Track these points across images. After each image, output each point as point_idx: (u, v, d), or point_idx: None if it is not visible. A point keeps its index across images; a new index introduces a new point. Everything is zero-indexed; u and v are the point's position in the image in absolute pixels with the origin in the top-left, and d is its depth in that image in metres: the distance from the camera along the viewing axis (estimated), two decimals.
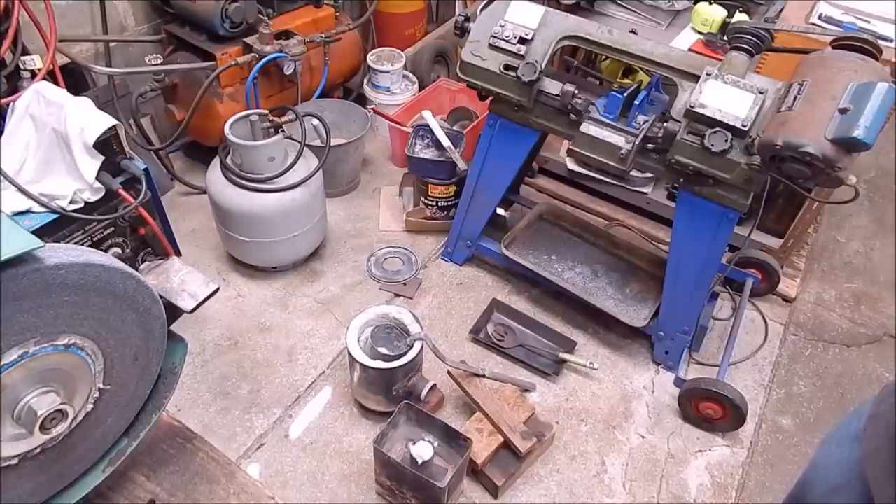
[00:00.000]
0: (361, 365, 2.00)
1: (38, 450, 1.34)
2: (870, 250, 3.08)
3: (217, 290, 1.68)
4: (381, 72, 3.35)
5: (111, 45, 2.72)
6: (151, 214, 1.97)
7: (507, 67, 2.09)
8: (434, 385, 2.12)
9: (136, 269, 1.42)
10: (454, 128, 2.93)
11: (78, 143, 1.73)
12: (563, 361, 2.38)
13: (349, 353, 2.02)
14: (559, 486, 2.07)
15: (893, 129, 3.22)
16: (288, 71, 2.75)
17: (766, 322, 2.65)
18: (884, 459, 1.06)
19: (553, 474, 2.10)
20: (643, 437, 2.22)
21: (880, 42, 1.71)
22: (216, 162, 2.45)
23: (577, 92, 2.04)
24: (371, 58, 3.39)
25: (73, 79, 2.52)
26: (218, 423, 2.17)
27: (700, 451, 2.20)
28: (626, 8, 2.79)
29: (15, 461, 1.30)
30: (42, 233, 1.69)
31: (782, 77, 1.80)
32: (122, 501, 1.73)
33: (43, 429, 1.26)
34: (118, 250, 1.99)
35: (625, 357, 2.47)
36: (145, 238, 2.06)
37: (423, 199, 2.84)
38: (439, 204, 2.83)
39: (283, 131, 2.40)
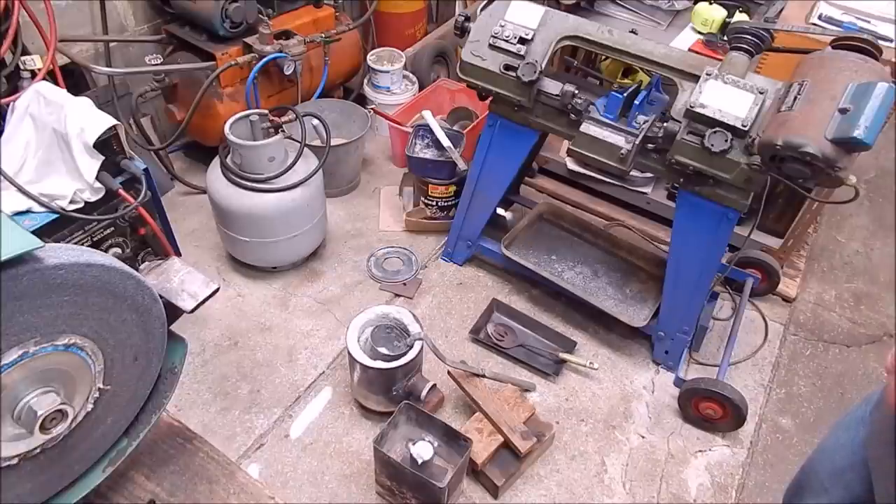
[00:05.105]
0: (361, 365, 2.00)
1: (38, 450, 1.33)
2: (870, 250, 3.08)
3: (217, 290, 1.68)
4: (381, 72, 3.35)
5: (111, 45, 2.72)
6: (151, 214, 1.98)
7: (507, 67, 2.09)
8: (434, 385, 2.12)
9: (136, 269, 1.41)
10: (454, 128, 2.93)
11: (78, 143, 1.74)
12: (563, 361, 2.38)
13: (349, 353, 2.02)
14: (559, 486, 2.07)
15: (893, 129, 3.22)
16: (288, 71, 2.75)
17: (766, 322, 2.65)
18: (886, 438, 1.08)
19: (553, 474, 2.10)
20: (643, 437, 2.22)
21: (880, 42, 1.71)
22: (216, 162, 2.45)
23: (577, 92, 2.05)
24: (371, 58, 3.39)
25: (73, 79, 2.52)
26: (218, 423, 2.17)
27: (700, 451, 2.20)
28: (626, 8, 2.79)
29: (15, 461, 1.30)
30: (42, 233, 1.70)
31: (782, 77, 1.80)
32: (122, 501, 1.73)
33: (43, 429, 1.26)
34: (118, 250, 2.00)
35: (625, 357, 2.47)
36: (145, 238, 2.06)
37: (423, 199, 2.84)
38: (439, 204, 2.83)
39: (283, 131, 2.40)
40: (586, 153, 2.07)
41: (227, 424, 2.17)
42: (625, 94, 2.02)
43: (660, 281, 2.36)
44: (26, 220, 1.70)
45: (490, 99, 2.25)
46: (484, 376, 2.16)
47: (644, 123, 1.97)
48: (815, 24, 2.39)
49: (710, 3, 2.57)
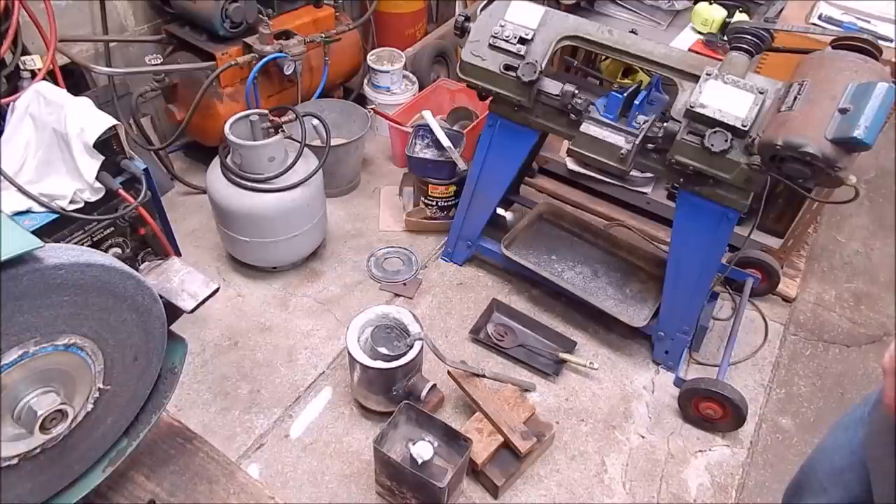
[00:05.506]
0: (361, 365, 2.00)
1: (38, 450, 1.33)
2: (870, 250, 3.08)
3: (217, 290, 1.68)
4: (381, 72, 3.35)
5: (111, 45, 2.72)
6: (151, 214, 1.98)
7: (507, 67, 2.09)
8: (434, 385, 2.12)
9: (136, 269, 1.41)
10: (454, 128, 2.93)
11: (78, 143, 1.74)
12: (563, 361, 2.38)
13: (349, 353, 2.02)
14: (559, 486, 2.07)
15: (893, 129, 3.22)
16: (288, 71, 2.75)
17: (766, 322, 2.65)
18: (885, 439, 1.09)
19: (553, 474, 2.10)
20: (643, 437, 2.22)
21: (880, 42, 1.71)
22: (216, 162, 2.45)
23: (577, 92, 2.04)
24: (371, 58, 3.39)
25: (73, 79, 2.52)
26: (218, 423, 2.17)
27: (700, 451, 2.20)
28: (626, 8, 2.79)
29: (15, 461, 1.30)
30: (42, 233, 1.70)
31: (782, 77, 1.80)
32: (122, 501, 1.73)
33: (43, 429, 1.26)
34: (118, 250, 2.00)
35: (625, 357, 2.47)
36: (145, 238, 2.06)
37: (423, 199, 2.84)
38: (439, 204, 2.83)
39: (283, 131, 2.40)
40: (586, 153, 2.07)
41: (227, 424, 2.17)
42: (625, 94, 2.02)
43: (660, 281, 2.36)
44: (26, 220, 1.70)
45: (490, 99, 2.25)
46: (484, 376, 2.16)
47: (644, 123, 1.97)
48: (815, 24, 2.39)
49: (710, 3, 2.57)
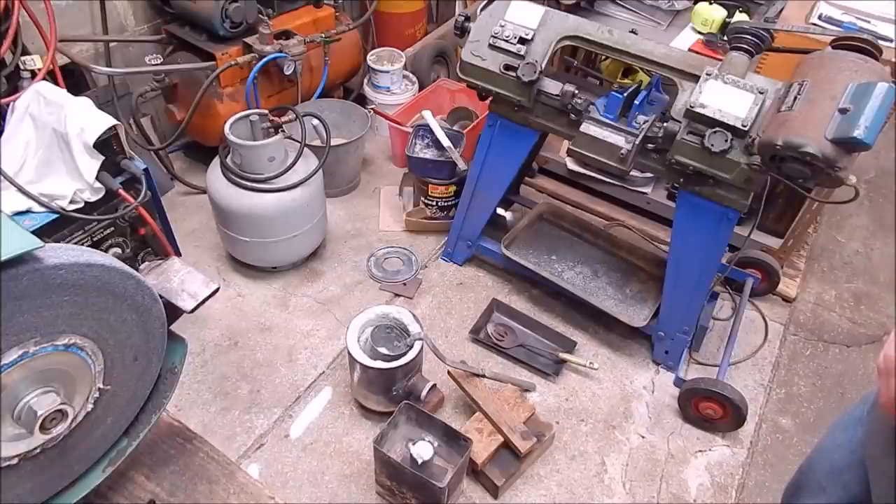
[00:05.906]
0: (361, 365, 2.00)
1: (38, 450, 1.33)
2: (870, 250, 3.08)
3: (217, 289, 1.68)
4: (381, 72, 3.35)
5: (111, 45, 2.72)
6: (151, 214, 1.98)
7: (507, 67, 2.09)
8: (434, 385, 2.12)
9: (136, 269, 1.41)
10: (454, 128, 2.93)
11: (78, 143, 1.74)
12: (563, 361, 2.38)
13: (349, 353, 2.02)
14: (559, 486, 2.07)
15: (893, 129, 3.22)
16: (288, 71, 2.75)
17: (766, 322, 2.65)
18: (884, 438, 1.09)
19: (553, 474, 2.10)
20: (643, 437, 2.22)
21: (880, 42, 1.71)
22: (216, 162, 2.45)
23: (577, 92, 2.04)
24: (371, 58, 3.39)
25: (73, 79, 2.52)
26: (218, 423, 2.17)
27: (700, 451, 2.20)
28: (626, 8, 2.79)
29: (15, 461, 1.30)
30: (42, 233, 1.70)
31: (782, 77, 1.80)
32: (122, 501, 1.73)
33: (43, 429, 1.26)
34: (118, 250, 2.00)
35: (625, 357, 2.47)
36: (145, 238, 2.06)
37: (423, 199, 2.84)
38: (439, 204, 2.83)
39: (283, 131, 2.41)
40: (586, 153, 2.07)
41: (227, 424, 2.17)
42: (625, 94, 2.02)
43: (660, 281, 2.36)
44: (26, 220, 1.70)
45: (490, 99, 2.25)
46: (484, 376, 2.16)
47: (644, 123, 1.97)
48: (815, 24, 2.39)
49: (710, 3, 2.57)
